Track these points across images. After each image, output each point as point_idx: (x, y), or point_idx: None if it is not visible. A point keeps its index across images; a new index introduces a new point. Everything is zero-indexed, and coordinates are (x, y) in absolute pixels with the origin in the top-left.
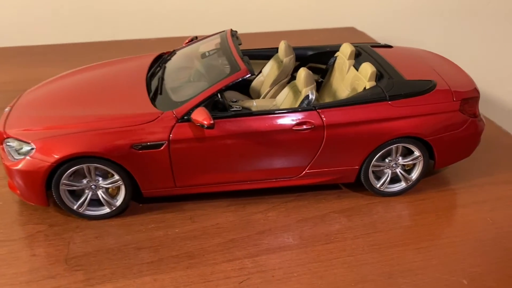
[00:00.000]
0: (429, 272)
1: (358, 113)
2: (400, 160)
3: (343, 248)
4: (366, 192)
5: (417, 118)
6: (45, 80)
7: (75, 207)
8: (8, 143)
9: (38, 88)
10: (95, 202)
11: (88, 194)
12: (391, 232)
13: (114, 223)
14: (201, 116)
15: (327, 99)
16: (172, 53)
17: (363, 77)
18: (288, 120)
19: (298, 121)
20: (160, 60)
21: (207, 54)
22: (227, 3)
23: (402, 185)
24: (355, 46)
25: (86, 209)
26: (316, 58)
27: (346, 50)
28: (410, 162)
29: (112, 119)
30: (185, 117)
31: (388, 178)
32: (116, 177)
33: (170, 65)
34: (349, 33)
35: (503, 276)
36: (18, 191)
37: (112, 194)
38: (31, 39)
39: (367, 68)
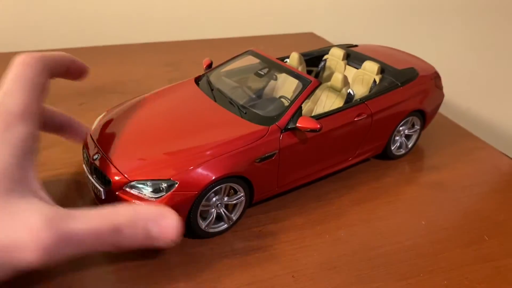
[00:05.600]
0: None
1: (388, 99)
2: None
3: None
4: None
5: (420, 96)
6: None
7: (203, 227)
8: (137, 186)
9: (106, 126)
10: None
11: (214, 212)
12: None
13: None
14: (309, 123)
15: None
16: (203, 77)
17: (369, 72)
18: (351, 114)
19: (356, 113)
20: (202, 84)
21: (262, 73)
22: (194, 9)
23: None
24: (343, 49)
25: (210, 227)
26: (308, 63)
27: (337, 53)
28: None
29: (233, 141)
30: (288, 127)
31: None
32: (240, 193)
33: (222, 87)
34: (311, 37)
35: None
36: None
37: (228, 209)
38: (25, 45)
39: (372, 65)
